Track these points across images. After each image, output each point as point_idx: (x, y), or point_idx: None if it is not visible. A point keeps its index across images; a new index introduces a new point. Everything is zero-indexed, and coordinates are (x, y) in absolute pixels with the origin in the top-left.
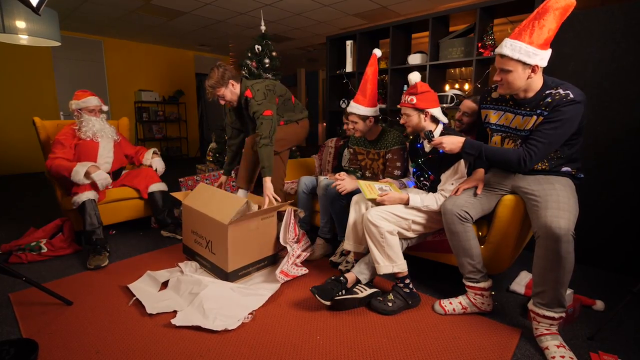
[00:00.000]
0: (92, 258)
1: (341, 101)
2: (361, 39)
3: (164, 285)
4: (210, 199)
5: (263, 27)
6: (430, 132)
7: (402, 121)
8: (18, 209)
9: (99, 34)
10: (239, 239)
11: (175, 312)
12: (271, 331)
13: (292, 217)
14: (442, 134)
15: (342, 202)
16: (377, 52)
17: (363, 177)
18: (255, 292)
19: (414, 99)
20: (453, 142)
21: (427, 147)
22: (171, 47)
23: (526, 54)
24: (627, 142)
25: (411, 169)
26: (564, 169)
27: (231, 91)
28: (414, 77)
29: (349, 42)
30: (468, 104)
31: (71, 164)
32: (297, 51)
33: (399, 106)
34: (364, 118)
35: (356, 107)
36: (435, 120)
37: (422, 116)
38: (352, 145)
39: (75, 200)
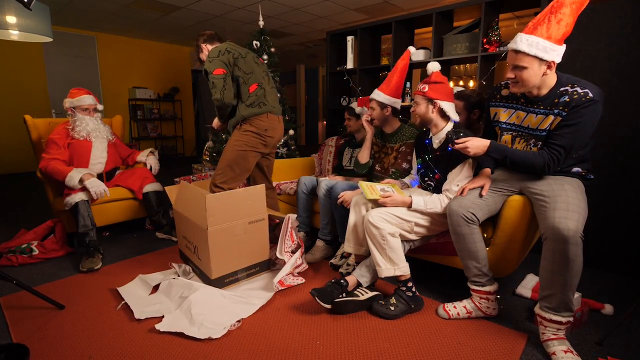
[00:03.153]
0: (85, 260)
1: (342, 98)
2: (362, 34)
3: (156, 288)
4: (190, 200)
5: (261, 22)
6: (451, 133)
7: (412, 109)
8: (8, 210)
9: (92, 30)
10: (222, 244)
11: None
12: (270, 336)
13: (289, 225)
14: (455, 132)
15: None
16: (412, 49)
17: (372, 171)
18: (246, 300)
19: (426, 87)
20: (478, 146)
21: (436, 144)
22: (166, 43)
23: (543, 49)
24: (637, 141)
25: (415, 166)
26: (575, 169)
27: (205, 55)
28: (433, 66)
29: (350, 38)
30: None
31: (66, 168)
32: (296, 47)
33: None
34: (383, 106)
35: (377, 94)
36: (444, 116)
37: (431, 107)
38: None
39: (68, 201)
